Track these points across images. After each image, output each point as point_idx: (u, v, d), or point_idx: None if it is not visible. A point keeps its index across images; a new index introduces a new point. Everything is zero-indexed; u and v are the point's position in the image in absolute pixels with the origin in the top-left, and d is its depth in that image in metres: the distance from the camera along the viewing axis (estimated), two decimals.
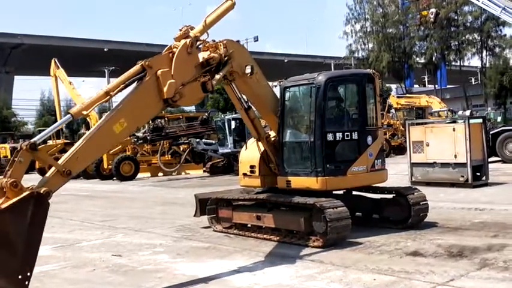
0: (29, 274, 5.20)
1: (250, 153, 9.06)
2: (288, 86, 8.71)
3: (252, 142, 9.18)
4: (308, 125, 8.38)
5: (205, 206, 9.55)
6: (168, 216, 11.83)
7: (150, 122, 26.15)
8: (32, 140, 5.48)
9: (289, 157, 8.62)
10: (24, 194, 5.23)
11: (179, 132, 24.81)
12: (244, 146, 9.46)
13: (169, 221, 11.07)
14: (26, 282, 5.16)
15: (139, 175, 24.90)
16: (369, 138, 8.47)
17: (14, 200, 5.17)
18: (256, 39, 73.24)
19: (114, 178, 24.10)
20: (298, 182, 8.34)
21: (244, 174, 9.03)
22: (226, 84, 8.21)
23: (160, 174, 25.69)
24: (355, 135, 8.38)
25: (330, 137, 8.17)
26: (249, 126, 8.76)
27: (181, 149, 25.53)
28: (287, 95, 8.70)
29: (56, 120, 36.66)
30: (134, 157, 25.07)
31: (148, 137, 23.72)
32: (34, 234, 5.34)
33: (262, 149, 8.76)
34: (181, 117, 29.74)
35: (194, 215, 9.91)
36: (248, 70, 7.77)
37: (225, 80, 7.93)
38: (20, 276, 5.12)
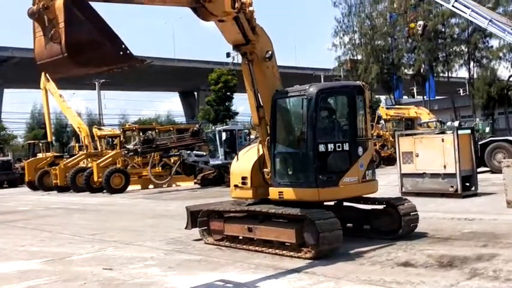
0: (123, 46, 5.55)
1: (242, 164, 9.10)
2: (278, 97, 8.74)
3: (243, 153, 9.20)
4: (300, 136, 8.43)
5: (197, 218, 9.54)
6: (159, 229, 11.78)
7: (141, 133, 26.23)
8: None
9: (281, 168, 8.65)
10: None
11: (170, 144, 24.80)
12: (236, 158, 9.47)
13: (160, 233, 11.02)
14: (128, 51, 5.58)
15: (130, 187, 24.81)
16: (360, 149, 8.53)
17: (63, 14, 5.33)
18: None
19: (104, 191, 23.96)
20: (290, 193, 8.34)
21: (236, 186, 9.03)
22: (245, 64, 8.47)
23: (150, 186, 25.60)
24: (346, 146, 8.42)
25: (321, 148, 8.21)
26: (255, 122, 8.77)
27: (172, 161, 25.49)
28: (278, 106, 8.73)
29: (46, 134, 36.43)
30: (124, 169, 24.98)
31: (138, 149, 23.65)
32: (96, 21, 5.53)
33: (256, 157, 8.75)
34: (172, 129, 29.79)
35: (185, 228, 9.88)
36: (268, 54, 8.36)
37: (245, 59, 8.37)
38: (121, 53, 5.56)
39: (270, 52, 8.40)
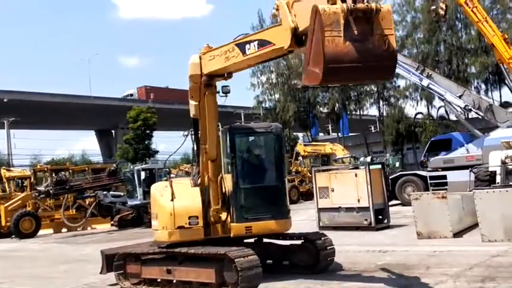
0: None
1: (187, 201, 8.52)
2: (239, 132, 8.91)
3: (177, 188, 8.58)
4: (269, 170, 8.94)
5: (112, 261, 9.16)
6: (72, 275, 11.18)
7: (53, 174, 25.01)
8: None
9: (249, 203, 8.57)
10: None
11: (85, 184, 23.78)
12: (166, 195, 8.56)
13: (74, 279, 10.47)
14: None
15: (41, 232, 23.40)
16: None
17: (392, 20, 5.54)
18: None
19: (13, 236, 22.45)
20: (260, 226, 8.48)
21: (181, 228, 8.34)
22: (211, 95, 8.30)
23: (64, 230, 24.28)
24: (285, 181, 9.28)
25: (285, 181, 8.96)
26: (212, 157, 8.45)
27: (87, 202, 24.44)
28: (239, 140, 8.81)
29: None
30: (35, 213, 23.57)
31: (50, 191, 22.48)
32: None
33: (198, 194, 8.50)
34: (87, 169, 28.72)
35: (100, 272, 9.48)
36: (226, 89, 8.46)
37: (210, 90, 8.27)
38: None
39: (229, 88, 8.50)
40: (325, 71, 5.20)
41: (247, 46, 7.25)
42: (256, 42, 7.13)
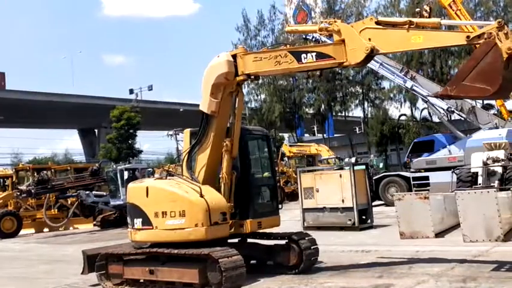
0: None
1: (215, 197, 8.30)
2: (246, 134, 9.18)
3: (191, 186, 8.41)
4: (269, 169, 9.68)
5: (94, 262, 9.06)
6: (54, 275, 11.05)
7: (35, 173, 24.71)
8: None
9: (260, 199, 9.35)
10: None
11: (67, 184, 23.50)
12: (192, 192, 8.19)
13: (55, 280, 10.34)
14: None
15: (23, 231, 23.10)
16: None
17: None
18: (150, 88, 72.52)
19: None
20: (267, 222, 9.05)
21: (215, 224, 8.09)
22: (242, 93, 8.84)
23: (46, 230, 24.02)
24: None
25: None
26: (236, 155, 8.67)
27: (69, 202, 24.18)
28: (248, 142, 9.20)
29: None
30: (17, 212, 23.28)
31: (32, 191, 22.18)
32: None
33: (215, 191, 8.41)
34: (69, 168, 28.42)
35: (82, 273, 9.36)
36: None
37: (240, 88, 8.64)
38: None
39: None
40: (499, 87, 7.04)
41: (304, 55, 8.04)
42: (314, 54, 7.99)
